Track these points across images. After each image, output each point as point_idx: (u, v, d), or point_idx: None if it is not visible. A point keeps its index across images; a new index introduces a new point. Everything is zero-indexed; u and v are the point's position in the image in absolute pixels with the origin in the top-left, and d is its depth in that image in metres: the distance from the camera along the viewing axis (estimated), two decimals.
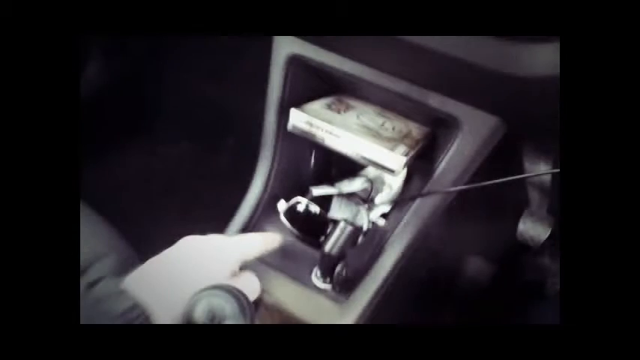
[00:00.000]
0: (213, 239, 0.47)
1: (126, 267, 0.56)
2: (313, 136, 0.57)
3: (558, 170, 0.38)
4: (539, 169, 0.96)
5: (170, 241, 0.48)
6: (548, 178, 0.99)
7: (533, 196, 1.01)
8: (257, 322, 0.53)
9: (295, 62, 0.58)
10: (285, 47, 0.58)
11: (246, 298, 0.44)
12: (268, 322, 0.54)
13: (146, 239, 0.72)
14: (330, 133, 0.56)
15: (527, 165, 0.88)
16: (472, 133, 0.53)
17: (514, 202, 1.05)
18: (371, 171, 0.76)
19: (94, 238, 0.57)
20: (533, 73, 0.39)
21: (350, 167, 0.76)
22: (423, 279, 1.06)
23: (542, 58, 0.40)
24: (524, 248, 1.04)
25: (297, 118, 0.58)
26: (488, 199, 1.07)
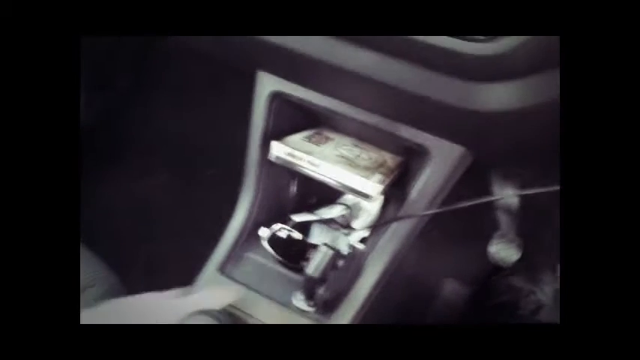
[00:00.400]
0: (174, 298, 0.49)
1: (111, 295, 0.57)
2: (294, 165, 0.61)
3: (558, 188, 0.39)
4: (507, 194, 1.02)
5: (151, 270, 0.50)
6: (517, 201, 1.05)
7: (503, 219, 1.07)
8: None
9: (277, 98, 0.63)
10: (268, 84, 0.62)
11: (231, 321, 0.46)
12: None
13: (129, 268, 0.73)
14: (310, 163, 0.60)
15: (495, 190, 0.94)
16: (441, 161, 0.57)
17: (485, 226, 1.10)
18: (349, 198, 0.80)
19: (81, 268, 0.58)
20: (492, 108, 0.44)
21: (329, 195, 0.80)
22: (401, 301, 1.09)
23: (500, 95, 0.44)
24: (496, 270, 1.08)
25: (279, 151, 0.61)
26: (460, 223, 1.12)
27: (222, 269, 0.62)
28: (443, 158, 0.57)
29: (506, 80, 0.43)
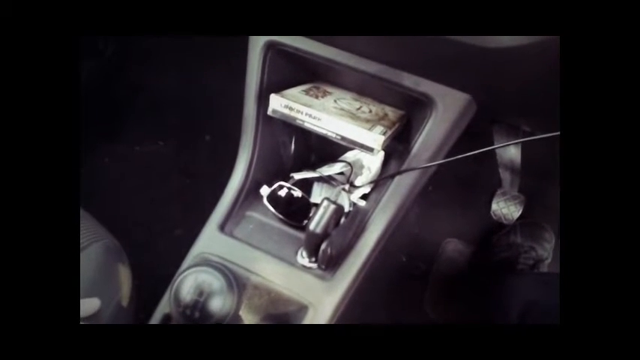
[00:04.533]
0: None
1: (111, 253, 0.56)
2: (294, 119, 0.59)
3: (558, 133, 0.40)
4: (509, 150, 1.01)
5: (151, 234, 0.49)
6: (519, 158, 1.04)
7: (505, 176, 1.06)
8: (245, 301, 0.55)
9: (273, 49, 0.60)
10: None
11: (234, 275, 0.45)
12: (256, 301, 0.55)
13: (128, 231, 0.72)
14: (310, 115, 0.58)
15: (499, 145, 0.92)
16: (445, 110, 0.55)
17: (487, 183, 1.09)
18: (350, 155, 0.78)
19: (80, 229, 0.57)
20: (499, 44, 0.41)
21: (329, 152, 0.78)
22: (403, 258, 1.09)
23: None
24: (497, 227, 1.08)
25: (277, 103, 0.59)
26: (462, 181, 1.11)
27: (223, 228, 0.61)
28: (448, 107, 0.55)
29: None
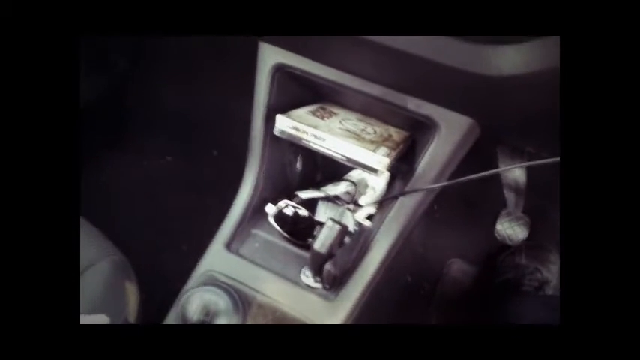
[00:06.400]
0: None
1: (119, 269, 0.57)
2: (300, 140, 0.60)
3: (558, 159, 0.40)
4: (514, 171, 1.01)
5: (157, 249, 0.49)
6: (523, 179, 1.04)
7: (510, 197, 1.06)
8: (250, 320, 0.55)
9: (280, 71, 0.61)
10: (271, 57, 0.60)
11: (239, 295, 0.46)
12: (261, 320, 0.56)
13: (135, 247, 0.73)
14: (316, 136, 0.59)
15: (502, 168, 0.93)
16: (448, 133, 0.56)
17: (491, 204, 1.09)
18: (355, 175, 0.79)
19: (89, 245, 0.58)
20: (500, 72, 0.42)
21: (335, 172, 0.79)
22: (408, 278, 1.09)
23: (508, 59, 0.43)
24: (502, 248, 1.08)
25: (283, 124, 0.60)
26: (466, 201, 1.12)
27: (229, 246, 0.62)
28: (451, 130, 0.56)
29: (514, 43, 0.42)
